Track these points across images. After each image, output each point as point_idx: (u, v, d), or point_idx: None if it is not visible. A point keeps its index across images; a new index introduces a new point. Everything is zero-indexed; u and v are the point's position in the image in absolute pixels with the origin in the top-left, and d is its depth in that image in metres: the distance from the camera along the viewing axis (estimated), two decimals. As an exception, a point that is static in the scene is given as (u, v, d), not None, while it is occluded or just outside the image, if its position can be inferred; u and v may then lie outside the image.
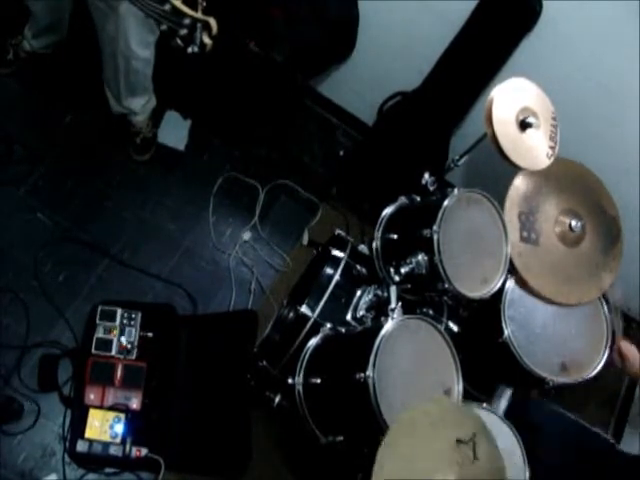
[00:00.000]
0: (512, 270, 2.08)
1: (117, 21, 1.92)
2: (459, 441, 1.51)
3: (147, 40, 2.05)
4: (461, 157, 2.21)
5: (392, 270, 2.05)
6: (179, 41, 1.46)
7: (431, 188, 2.18)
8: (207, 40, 1.48)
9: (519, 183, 2.09)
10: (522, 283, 2.08)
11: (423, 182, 2.18)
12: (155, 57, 2.18)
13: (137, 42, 2.01)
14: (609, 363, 2.07)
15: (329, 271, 2.08)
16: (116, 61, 2.08)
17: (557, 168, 2.09)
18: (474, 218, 2.08)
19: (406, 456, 1.49)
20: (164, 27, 1.45)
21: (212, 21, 1.46)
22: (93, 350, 2.12)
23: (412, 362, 1.83)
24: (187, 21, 1.44)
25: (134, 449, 2.02)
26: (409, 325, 1.86)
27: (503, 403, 1.94)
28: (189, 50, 1.47)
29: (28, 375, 2.09)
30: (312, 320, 2.01)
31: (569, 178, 2.16)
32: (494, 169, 2.11)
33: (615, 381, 2.75)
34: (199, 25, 1.45)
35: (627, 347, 1.99)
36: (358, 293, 2.10)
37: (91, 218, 2.37)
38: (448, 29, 2.29)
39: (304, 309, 2.02)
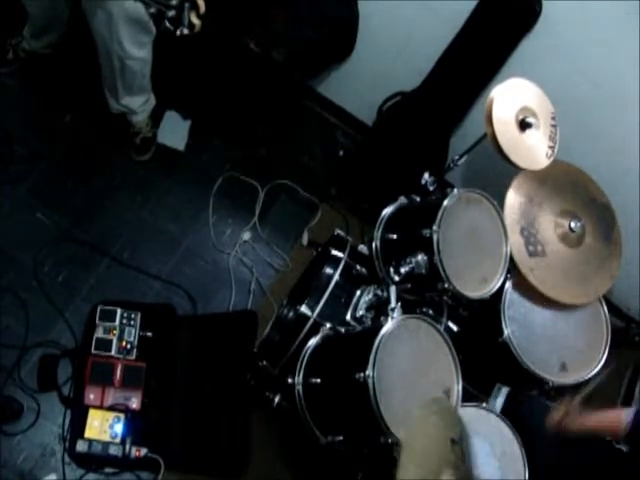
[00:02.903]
0: (511, 270, 2.08)
1: (109, 22, 1.92)
2: (453, 441, 1.51)
3: (141, 40, 2.04)
4: (461, 157, 2.21)
5: (392, 270, 2.06)
6: (168, 24, 1.47)
7: (431, 188, 2.19)
8: (195, 20, 1.49)
9: (512, 199, 2.08)
10: (541, 298, 2.09)
11: (423, 182, 2.18)
12: (154, 57, 2.18)
13: (131, 42, 2.01)
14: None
15: (329, 271, 2.08)
16: (111, 61, 2.08)
17: (543, 172, 2.10)
18: (474, 218, 2.08)
19: (420, 457, 1.49)
20: (152, 10, 1.46)
21: (199, 0, 1.47)
22: (93, 350, 2.12)
23: (412, 362, 1.83)
24: (174, 2, 1.44)
25: (134, 449, 2.02)
26: (409, 325, 1.86)
27: (499, 402, 1.94)
28: (178, 32, 1.48)
29: (28, 375, 2.09)
30: (312, 320, 2.01)
31: (555, 179, 2.16)
32: (494, 169, 2.11)
33: (615, 380, 2.74)
34: (187, 5, 1.46)
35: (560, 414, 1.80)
36: (358, 293, 2.10)
37: (91, 218, 2.37)
38: (448, 29, 2.29)
39: (304, 309, 2.02)
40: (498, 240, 2.07)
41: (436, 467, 1.48)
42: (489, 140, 1.98)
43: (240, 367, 2.24)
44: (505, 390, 1.97)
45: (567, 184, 2.18)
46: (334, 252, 2.13)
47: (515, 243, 2.06)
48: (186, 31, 1.48)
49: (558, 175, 2.15)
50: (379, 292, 2.07)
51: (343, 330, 2.01)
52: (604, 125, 2.28)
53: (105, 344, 2.13)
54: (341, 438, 1.84)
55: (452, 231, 1.99)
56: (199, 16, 1.49)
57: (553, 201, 2.14)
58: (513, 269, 2.08)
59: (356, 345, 1.91)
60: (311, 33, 2.36)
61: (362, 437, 1.84)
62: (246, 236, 2.55)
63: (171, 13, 1.46)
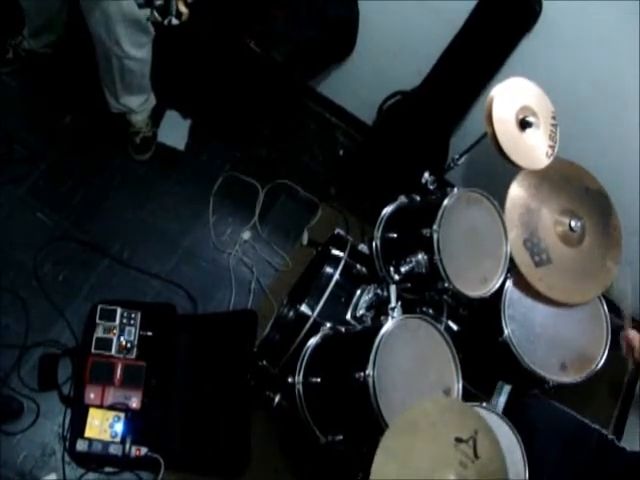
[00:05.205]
0: (511, 270, 2.08)
1: (107, 22, 1.92)
2: (459, 440, 1.51)
3: (140, 40, 2.04)
4: (461, 156, 2.21)
5: (392, 269, 2.06)
6: (156, 14, 1.47)
7: (431, 187, 2.19)
8: (183, 9, 1.49)
9: (511, 211, 2.07)
10: (541, 297, 2.09)
11: (423, 181, 2.18)
12: (154, 57, 2.18)
13: (130, 43, 2.01)
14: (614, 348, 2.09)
15: (329, 270, 2.08)
16: (110, 61, 2.08)
17: (538, 174, 2.09)
18: (474, 218, 2.08)
19: (405, 456, 1.48)
20: (141, 0, 1.46)
21: None
22: (93, 349, 2.12)
23: (412, 361, 1.83)
24: None
25: (134, 448, 2.02)
26: (409, 324, 1.86)
27: (502, 399, 1.95)
28: (166, 22, 1.48)
29: (28, 374, 2.09)
30: (312, 319, 2.01)
31: (551, 179, 2.15)
32: (494, 169, 2.11)
33: (616, 379, 2.75)
34: None
35: (634, 335, 2.00)
36: (358, 292, 2.10)
37: (91, 218, 2.37)
38: (448, 29, 2.29)
39: (304, 308, 2.02)
40: (498, 240, 2.07)
41: (428, 467, 1.48)
42: (489, 139, 1.98)
43: (240, 367, 2.24)
44: (507, 388, 1.97)
45: (561, 180, 2.17)
46: (334, 251, 2.13)
47: (521, 256, 2.05)
48: (175, 20, 1.48)
49: (553, 174, 2.15)
50: (379, 291, 2.07)
51: (343, 329, 2.01)
52: (604, 124, 2.28)
53: (105, 343, 2.14)
54: (341, 438, 1.84)
55: (452, 230, 1.99)
56: (187, 4, 1.50)
57: (551, 203, 2.14)
58: (513, 268, 2.08)
59: (356, 344, 1.91)
60: (311, 33, 2.36)
61: (362, 436, 1.84)
62: (246, 236, 2.55)
63: (159, 2, 1.45)
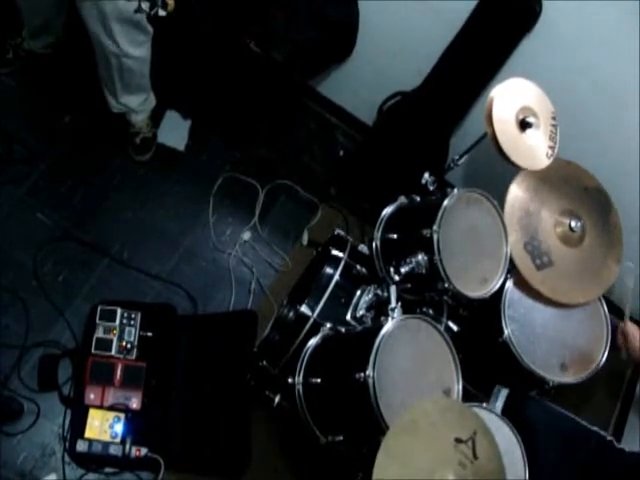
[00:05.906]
0: (511, 270, 2.08)
1: (104, 21, 1.92)
2: (458, 440, 1.51)
3: (138, 39, 2.04)
4: (461, 157, 2.21)
5: (392, 270, 2.05)
6: (143, 5, 1.48)
7: (431, 188, 2.18)
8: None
9: (510, 215, 2.06)
10: (541, 298, 2.09)
11: (423, 182, 2.18)
12: (154, 57, 2.18)
13: (128, 41, 2.00)
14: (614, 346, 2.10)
15: (329, 271, 2.08)
16: (108, 60, 2.08)
17: (538, 176, 2.09)
18: (474, 218, 2.08)
19: (406, 456, 1.48)
20: None
21: None
22: (93, 350, 2.12)
23: (412, 362, 1.83)
24: None
25: (134, 449, 2.02)
26: (409, 325, 1.86)
27: (499, 404, 1.95)
28: (152, 13, 1.49)
29: (28, 375, 2.09)
30: (312, 320, 2.01)
31: (550, 180, 2.15)
32: (494, 169, 2.11)
33: (616, 379, 2.75)
34: None
35: (630, 328, 2.02)
36: (358, 293, 2.10)
37: (91, 218, 2.37)
38: (448, 29, 2.29)
39: (304, 309, 2.02)
40: (498, 240, 2.07)
41: (428, 467, 1.48)
42: (489, 140, 1.98)
43: (240, 367, 2.24)
44: (505, 392, 1.97)
45: (560, 181, 2.17)
46: (334, 252, 2.13)
47: (522, 260, 2.05)
48: (161, 12, 1.50)
49: (552, 174, 2.15)
50: (379, 292, 2.07)
51: (343, 330, 2.01)
52: (604, 124, 2.28)
53: (105, 344, 2.14)
54: (341, 438, 1.84)
55: (452, 231, 1.99)
56: None
57: (550, 204, 2.13)
58: (513, 269, 2.08)
59: (356, 345, 1.91)
60: (311, 33, 2.36)
61: (362, 437, 1.84)
62: (246, 236, 2.55)
63: None
